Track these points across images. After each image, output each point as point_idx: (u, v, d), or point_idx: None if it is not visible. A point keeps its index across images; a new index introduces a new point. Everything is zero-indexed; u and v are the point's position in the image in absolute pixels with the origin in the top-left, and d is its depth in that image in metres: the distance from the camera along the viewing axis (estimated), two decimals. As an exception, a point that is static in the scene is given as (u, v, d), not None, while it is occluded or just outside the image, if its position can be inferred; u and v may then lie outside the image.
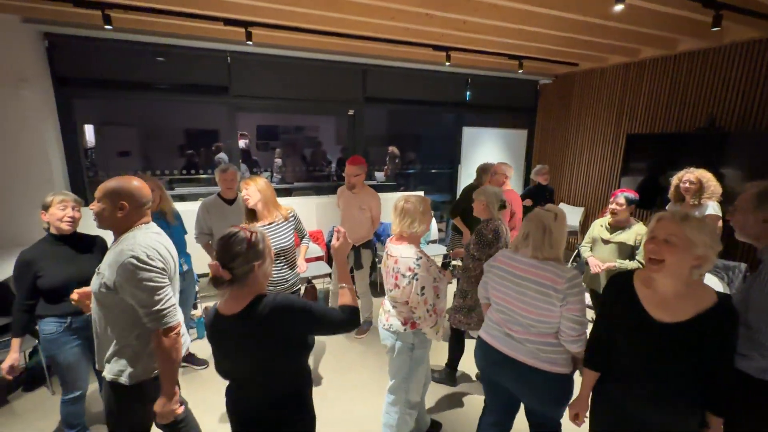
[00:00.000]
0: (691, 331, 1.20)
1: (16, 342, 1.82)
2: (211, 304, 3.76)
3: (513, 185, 5.90)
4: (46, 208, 1.86)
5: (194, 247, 3.03)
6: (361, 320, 3.59)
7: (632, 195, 2.67)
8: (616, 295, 1.38)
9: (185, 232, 2.89)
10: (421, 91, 5.19)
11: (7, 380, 2.19)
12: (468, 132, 5.53)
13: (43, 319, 1.86)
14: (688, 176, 2.99)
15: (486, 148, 5.65)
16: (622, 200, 2.63)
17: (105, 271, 1.41)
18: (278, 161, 6.80)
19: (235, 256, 1.20)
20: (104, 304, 1.44)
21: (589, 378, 1.44)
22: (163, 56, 3.90)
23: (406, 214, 1.82)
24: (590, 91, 5.18)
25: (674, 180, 3.11)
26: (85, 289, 1.61)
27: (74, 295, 1.61)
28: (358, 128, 4.93)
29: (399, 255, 1.80)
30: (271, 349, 1.20)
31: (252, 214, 2.32)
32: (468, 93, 5.47)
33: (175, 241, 2.47)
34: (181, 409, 1.51)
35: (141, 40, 3.64)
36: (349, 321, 1.29)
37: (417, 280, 1.73)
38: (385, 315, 1.95)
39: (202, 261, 2.94)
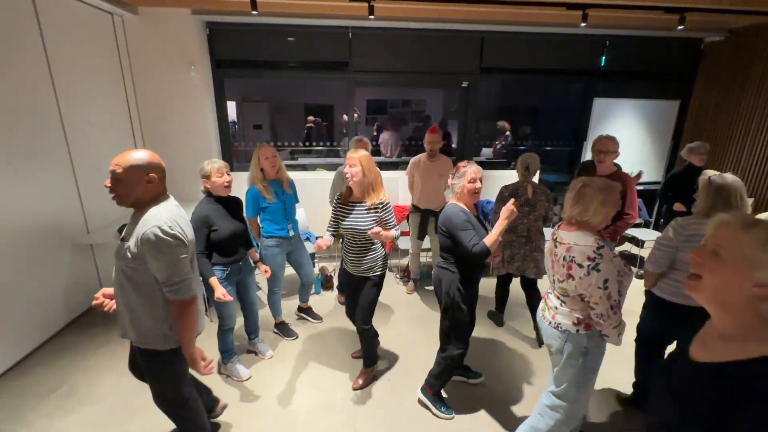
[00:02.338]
0: (731, 378, 0.79)
1: (214, 280, 2.18)
2: (326, 264, 4.17)
3: (653, 167, 5.05)
4: (207, 176, 2.24)
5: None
6: (412, 277, 3.84)
7: None
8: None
9: (297, 201, 3.01)
10: (545, 59, 4.66)
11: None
12: (599, 104, 4.82)
13: (214, 267, 2.27)
14: None
15: (621, 123, 4.88)
16: None
17: (131, 242, 1.43)
18: (384, 137, 6.96)
19: None
20: (128, 275, 1.47)
21: None
22: (292, 36, 4.25)
23: (580, 199, 1.62)
24: (784, 47, 3.98)
25: None
26: (105, 290, 1.67)
27: (99, 295, 1.66)
28: (471, 101, 4.71)
29: (573, 242, 1.61)
30: None
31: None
32: (604, 58, 4.72)
33: (287, 208, 2.77)
34: (208, 370, 1.60)
35: (276, 22, 4.01)
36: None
37: (599, 271, 1.52)
38: (551, 312, 1.75)
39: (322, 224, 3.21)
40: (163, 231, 1.39)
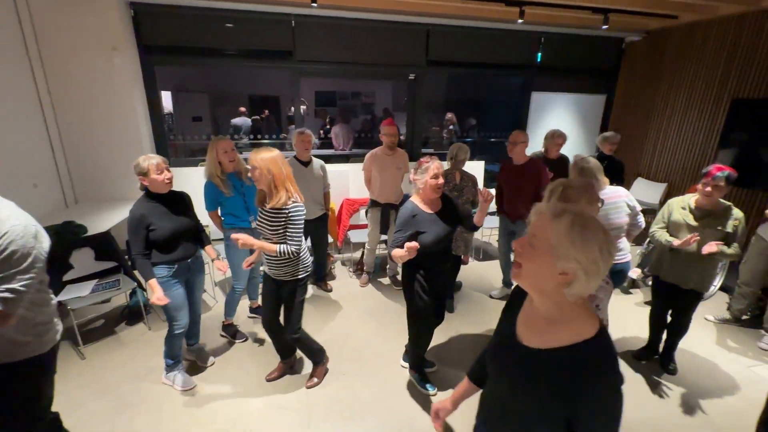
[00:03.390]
0: (562, 361, 0.84)
1: (153, 282, 2.07)
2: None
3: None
4: (144, 173, 2.05)
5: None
6: (365, 270, 3.89)
7: (734, 174, 2.16)
8: (515, 296, 1.08)
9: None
10: (488, 53, 4.84)
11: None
12: (537, 98, 5.12)
13: (156, 266, 2.12)
14: None
15: (556, 115, 5.21)
16: (722, 182, 2.14)
17: None
18: (336, 129, 6.85)
19: None
20: None
21: (463, 386, 1.23)
22: (232, 22, 4.00)
23: (567, 201, 1.51)
24: (690, 48, 4.47)
25: None
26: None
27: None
28: (419, 93, 4.77)
29: None
30: None
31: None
32: (540, 54, 5.00)
33: (247, 200, 2.69)
34: None
35: (213, 6, 3.75)
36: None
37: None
38: None
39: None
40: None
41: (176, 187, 2.23)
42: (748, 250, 3.05)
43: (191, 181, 3.23)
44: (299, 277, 2.16)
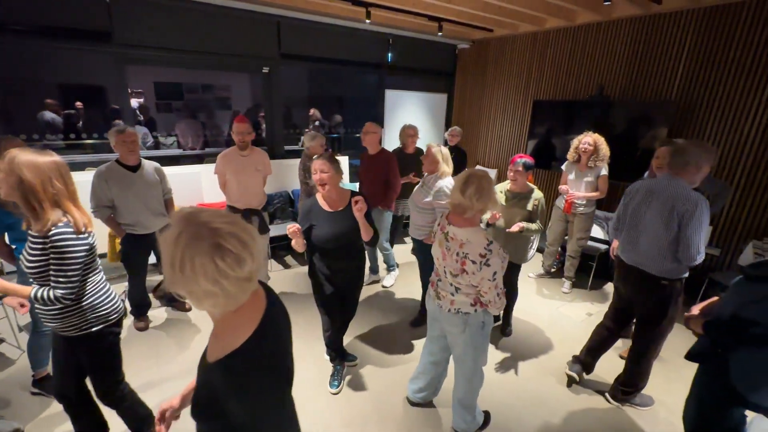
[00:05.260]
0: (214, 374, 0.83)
1: None
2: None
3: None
4: None
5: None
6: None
7: (530, 161, 2.63)
8: None
9: None
10: (342, 50, 4.95)
11: None
12: (391, 95, 5.49)
13: None
14: (586, 139, 3.39)
15: (408, 112, 5.69)
16: (520, 167, 2.60)
17: None
18: (182, 126, 6.04)
19: None
20: None
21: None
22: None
23: (482, 192, 1.68)
24: (503, 57, 5.44)
25: (574, 142, 3.50)
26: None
27: None
28: (275, 88, 4.57)
29: (466, 239, 1.70)
30: None
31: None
32: (390, 54, 5.37)
33: None
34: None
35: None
36: None
37: (489, 266, 1.66)
38: (448, 300, 1.86)
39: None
40: None
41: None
42: (550, 218, 3.91)
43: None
44: (92, 330, 1.57)
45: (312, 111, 7.52)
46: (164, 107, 7.54)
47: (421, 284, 3.11)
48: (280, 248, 4.57)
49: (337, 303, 2.31)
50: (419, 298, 3.26)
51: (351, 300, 2.42)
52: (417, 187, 2.85)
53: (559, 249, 4.02)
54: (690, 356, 1.59)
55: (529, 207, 2.64)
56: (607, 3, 3.23)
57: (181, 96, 8.04)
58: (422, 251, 2.83)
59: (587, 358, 2.51)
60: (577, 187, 3.52)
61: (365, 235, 2.13)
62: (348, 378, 2.53)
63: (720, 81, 3.51)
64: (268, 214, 4.32)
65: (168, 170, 3.18)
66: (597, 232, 4.07)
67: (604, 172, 3.40)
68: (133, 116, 3.95)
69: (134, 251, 2.84)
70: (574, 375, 2.49)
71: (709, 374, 1.55)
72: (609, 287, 3.91)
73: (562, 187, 3.59)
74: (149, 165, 2.81)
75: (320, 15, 4.35)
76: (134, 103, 4.86)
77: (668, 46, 3.80)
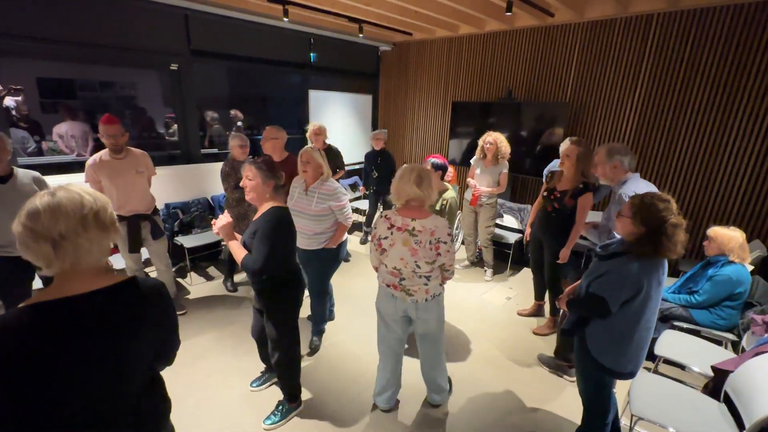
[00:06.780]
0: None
1: None
2: None
3: (361, 149, 6.18)
4: None
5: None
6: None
7: (440, 161, 2.70)
8: None
9: None
10: (262, 49, 4.74)
11: None
12: (315, 95, 5.40)
13: None
14: (488, 138, 3.75)
15: (333, 112, 5.66)
16: (428, 166, 2.63)
17: None
18: (64, 128, 5.21)
19: None
20: None
21: None
22: None
23: (428, 182, 1.86)
24: (423, 60, 5.67)
25: (480, 141, 3.84)
26: None
27: None
28: (186, 87, 4.22)
29: (434, 226, 1.86)
30: None
31: None
32: (312, 54, 5.28)
33: None
34: None
35: None
36: None
37: (453, 240, 1.91)
38: (422, 291, 1.96)
39: None
40: None
41: None
42: (463, 211, 4.18)
43: None
44: None
45: (234, 112, 7.11)
46: (51, 107, 6.53)
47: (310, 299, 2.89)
48: (200, 259, 4.24)
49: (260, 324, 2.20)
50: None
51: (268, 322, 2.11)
52: (296, 197, 2.60)
53: (478, 240, 4.34)
54: (563, 332, 1.86)
55: (437, 206, 2.73)
56: (508, 14, 3.54)
57: (73, 94, 7.06)
58: (318, 259, 2.66)
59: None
60: (484, 182, 3.86)
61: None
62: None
63: (601, 87, 4.07)
64: (186, 223, 4.00)
65: (56, 179, 2.77)
66: (511, 221, 4.47)
67: (505, 170, 3.79)
68: (6, 117, 3.37)
69: (9, 277, 2.36)
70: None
71: (580, 347, 1.78)
72: (525, 272, 4.30)
73: (470, 181, 3.94)
74: (25, 175, 2.41)
75: (235, 11, 4.12)
76: (9, 101, 4.10)
77: (561, 54, 4.30)
